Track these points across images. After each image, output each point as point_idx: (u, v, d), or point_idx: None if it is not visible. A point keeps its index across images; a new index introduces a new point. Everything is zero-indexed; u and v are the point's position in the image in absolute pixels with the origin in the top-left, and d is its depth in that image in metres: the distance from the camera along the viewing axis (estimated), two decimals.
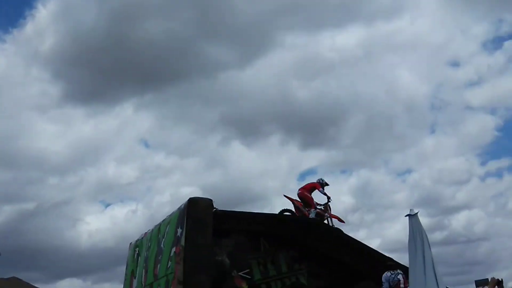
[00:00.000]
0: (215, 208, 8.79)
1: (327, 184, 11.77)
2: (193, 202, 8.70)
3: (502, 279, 8.72)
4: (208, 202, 8.80)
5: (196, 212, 8.57)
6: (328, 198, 11.33)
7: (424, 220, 5.87)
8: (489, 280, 8.66)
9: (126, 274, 11.52)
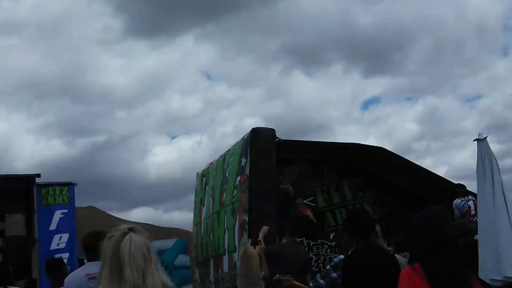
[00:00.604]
0: (278, 137, 8.85)
1: None
2: (256, 132, 8.79)
3: None
4: (271, 132, 8.87)
5: (259, 141, 8.67)
6: None
7: (494, 146, 5.61)
8: None
9: (195, 202, 11.93)
